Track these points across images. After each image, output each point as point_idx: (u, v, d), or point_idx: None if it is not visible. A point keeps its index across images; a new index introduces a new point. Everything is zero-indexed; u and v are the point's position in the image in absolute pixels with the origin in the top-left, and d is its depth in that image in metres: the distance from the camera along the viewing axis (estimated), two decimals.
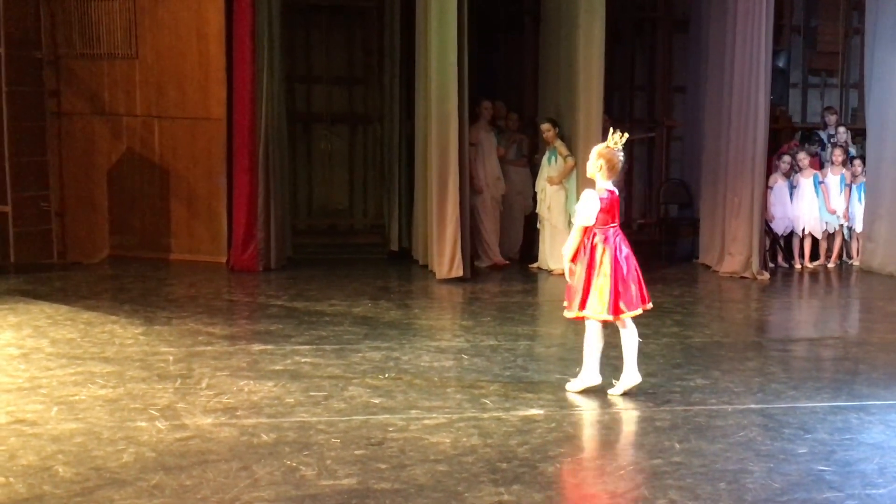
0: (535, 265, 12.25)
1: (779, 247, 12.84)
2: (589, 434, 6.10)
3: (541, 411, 6.49)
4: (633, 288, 6.81)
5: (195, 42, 12.28)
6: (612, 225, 6.86)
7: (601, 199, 6.82)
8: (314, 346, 8.08)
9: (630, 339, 6.89)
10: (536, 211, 12.26)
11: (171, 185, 12.56)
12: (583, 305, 6.84)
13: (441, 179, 11.19)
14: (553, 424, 6.22)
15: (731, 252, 11.96)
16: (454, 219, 11.15)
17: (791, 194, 12.76)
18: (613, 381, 6.93)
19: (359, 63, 14.71)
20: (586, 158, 11.08)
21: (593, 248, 6.81)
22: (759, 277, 11.71)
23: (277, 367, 7.41)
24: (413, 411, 6.42)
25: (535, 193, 12.31)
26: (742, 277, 11.76)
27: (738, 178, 11.87)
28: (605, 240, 6.81)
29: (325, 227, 14.73)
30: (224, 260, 12.12)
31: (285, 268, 11.98)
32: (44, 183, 12.52)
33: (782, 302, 11.11)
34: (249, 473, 5.22)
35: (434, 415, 6.36)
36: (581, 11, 11.50)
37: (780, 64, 14.73)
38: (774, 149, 13.05)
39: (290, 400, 6.58)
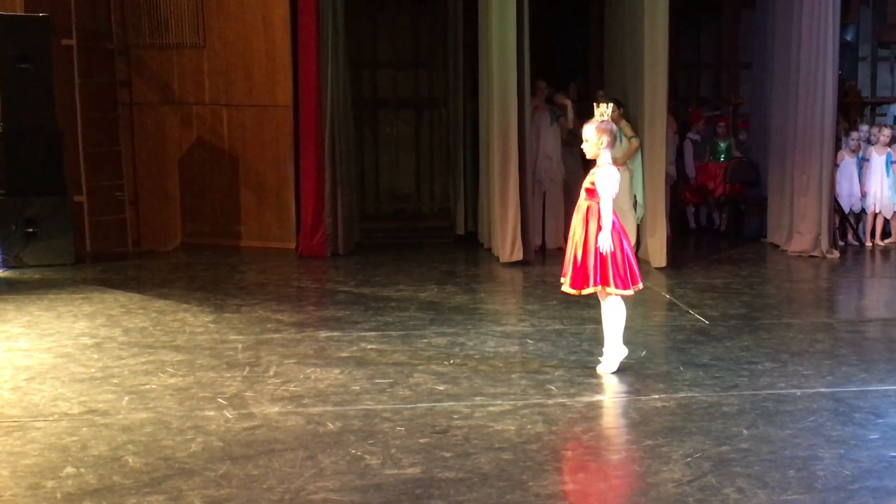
0: None
1: (849, 224, 12.61)
2: (654, 420, 6.01)
3: (606, 397, 6.47)
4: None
5: (261, 30, 12.40)
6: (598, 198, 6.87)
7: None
8: (380, 333, 8.14)
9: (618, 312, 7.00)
10: None
11: (241, 173, 12.72)
12: (605, 281, 6.83)
13: (502, 161, 11.19)
14: (619, 411, 6.19)
15: (799, 230, 11.78)
16: (515, 201, 11.14)
17: (860, 170, 12.49)
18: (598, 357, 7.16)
19: (424, 47, 14.73)
20: (652, 139, 11.20)
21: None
22: (829, 256, 11.52)
23: (344, 354, 7.47)
24: (478, 398, 6.43)
25: None
26: (811, 256, 11.59)
27: (806, 155, 11.69)
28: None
29: (393, 211, 14.81)
30: (293, 246, 12.24)
31: (353, 253, 12.06)
32: (117, 172, 12.77)
33: (853, 281, 10.91)
34: (315, 463, 5.27)
35: (499, 401, 6.36)
36: None
37: (849, 37, 14.46)
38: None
39: (356, 387, 6.62)
